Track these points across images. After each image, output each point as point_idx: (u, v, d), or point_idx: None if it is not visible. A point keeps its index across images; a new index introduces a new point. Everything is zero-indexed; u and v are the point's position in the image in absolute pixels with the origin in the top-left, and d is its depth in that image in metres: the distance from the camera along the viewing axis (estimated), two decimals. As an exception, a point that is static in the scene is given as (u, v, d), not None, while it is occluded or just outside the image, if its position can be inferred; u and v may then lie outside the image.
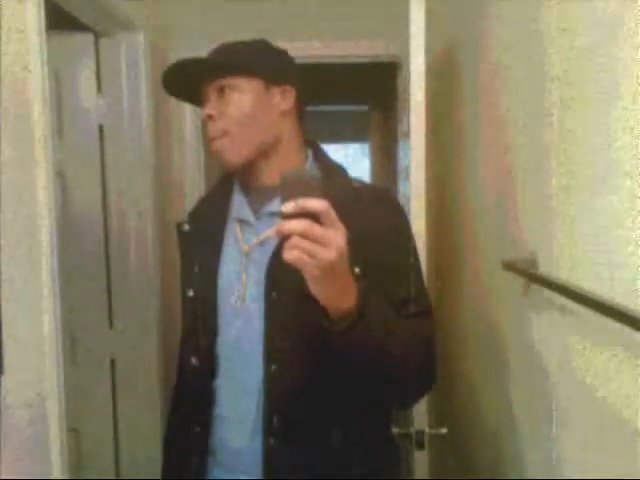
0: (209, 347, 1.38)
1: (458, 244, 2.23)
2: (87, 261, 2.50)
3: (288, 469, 1.31)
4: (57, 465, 1.53)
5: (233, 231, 1.42)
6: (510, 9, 1.57)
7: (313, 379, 1.29)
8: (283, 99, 1.39)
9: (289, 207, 0.96)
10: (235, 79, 1.35)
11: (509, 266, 1.46)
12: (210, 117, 1.36)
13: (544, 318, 1.36)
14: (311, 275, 1.00)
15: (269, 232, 1.28)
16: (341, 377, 1.23)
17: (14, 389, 1.34)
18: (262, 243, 1.35)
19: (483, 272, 1.90)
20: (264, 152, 1.38)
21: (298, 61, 1.48)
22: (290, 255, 0.97)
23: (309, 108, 1.47)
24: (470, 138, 2.04)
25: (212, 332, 1.38)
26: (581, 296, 1.07)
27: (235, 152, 1.36)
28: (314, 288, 1.03)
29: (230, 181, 1.48)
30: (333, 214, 0.98)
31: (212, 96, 1.37)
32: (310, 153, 1.45)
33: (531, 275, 1.36)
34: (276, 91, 1.38)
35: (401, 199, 2.26)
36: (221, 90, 1.36)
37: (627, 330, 0.91)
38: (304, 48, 2.66)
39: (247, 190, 1.44)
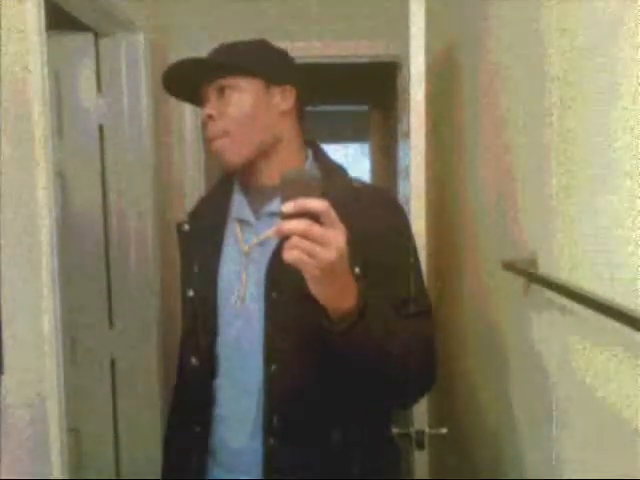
0: (209, 347, 1.38)
1: (458, 244, 2.23)
2: (87, 261, 2.50)
3: (288, 469, 1.31)
4: (57, 465, 1.53)
5: (233, 231, 1.42)
6: (510, 9, 1.56)
7: (313, 379, 1.29)
8: (283, 99, 1.39)
9: (289, 207, 0.96)
10: (235, 79, 1.35)
11: (509, 266, 1.46)
12: (210, 117, 1.36)
13: (544, 318, 1.36)
14: (311, 275, 1.00)
15: (269, 232, 1.28)
16: (341, 377, 1.23)
17: (14, 389, 1.34)
18: (262, 243, 1.35)
19: (483, 272, 1.90)
20: (264, 152, 1.38)
21: (298, 61, 1.48)
22: (290, 255, 0.97)
23: (309, 108, 1.47)
24: (470, 138, 2.04)
25: (212, 332, 1.38)
26: (581, 296, 1.07)
27: (235, 152, 1.36)
28: (314, 288, 1.03)
29: (230, 181, 1.48)
30: (333, 214, 0.98)
31: (212, 96, 1.37)
32: (310, 153, 1.45)
33: (531, 275, 1.36)
34: (276, 91, 1.38)
35: (401, 199, 2.26)
36: (221, 90, 1.36)
37: (627, 330, 0.91)
38: (304, 48, 2.66)
39: (247, 190, 1.44)
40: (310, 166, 1.42)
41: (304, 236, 0.96)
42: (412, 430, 1.73)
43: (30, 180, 1.46)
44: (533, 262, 1.37)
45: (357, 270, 1.16)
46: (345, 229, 1.00)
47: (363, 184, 1.46)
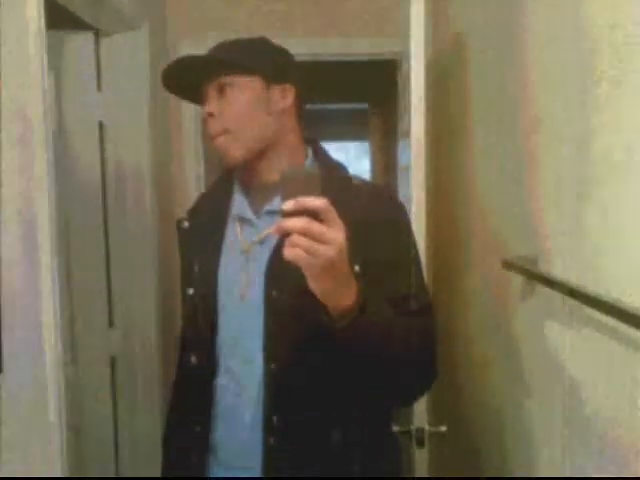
0: (209, 345, 1.38)
1: (458, 242, 2.23)
2: (87, 260, 2.50)
3: (288, 467, 1.31)
4: (58, 464, 1.52)
5: (233, 229, 1.42)
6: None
7: (313, 377, 1.29)
8: (283, 97, 1.39)
9: (289, 205, 0.96)
10: (235, 77, 1.35)
11: (510, 265, 1.46)
12: (210, 115, 1.36)
13: (545, 316, 1.36)
14: (311, 272, 1.01)
15: (269, 230, 1.28)
16: (341, 375, 1.23)
17: (14, 388, 1.34)
18: (262, 241, 1.35)
19: (484, 270, 1.90)
20: (264, 150, 1.38)
21: (298, 59, 1.48)
22: (290, 253, 0.97)
23: (309, 106, 1.47)
24: (471, 136, 2.04)
25: (212, 330, 1.38)
26: (583, 294, 1.07)
27: (236, 149, 1.36)
28: (314, 285, 1.03)
29: (230, 179, 1.48)
30: (333, 212, 0.98)
31: (212, 94, 1.37)
32: (310, 151, 1.45)
33: (532, 273, 1.36)
34: (276, 89, 1.38)
35: (401, 198, 2.25)
36: (221, 88, 1.36)
37: (629, 329, 0.90)
38: (304, 46, 2.66)
39: (247, 188, 1.44)
40: (310, 164, 1.42)
41: (304, 234, 0.96)
42: (412, 428, 1.73)
43: (30, 179, 1.45)
44: (534, 260, 1.37)
45: (357, 267, 1.17)
46: (345, 226, 1.00)
47: (363, 181, 1.46)
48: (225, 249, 1.41)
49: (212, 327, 1.38)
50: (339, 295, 1.06)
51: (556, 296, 1.23)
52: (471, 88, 2.03)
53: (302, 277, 1.02)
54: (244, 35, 1.43)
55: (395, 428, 1.57)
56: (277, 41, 1.45)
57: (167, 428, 1.53)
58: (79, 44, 2.44)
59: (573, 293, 1.11)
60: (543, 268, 1.33)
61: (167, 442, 1.52)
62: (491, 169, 1.81)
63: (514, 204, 1.55)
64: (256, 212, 1.39)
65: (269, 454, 1.31)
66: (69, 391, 1.63)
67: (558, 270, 1.26)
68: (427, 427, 1.74)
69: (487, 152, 1.87)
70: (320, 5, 2.84)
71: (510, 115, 1.60)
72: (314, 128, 1.60)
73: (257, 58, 1.39)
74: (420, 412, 1.79)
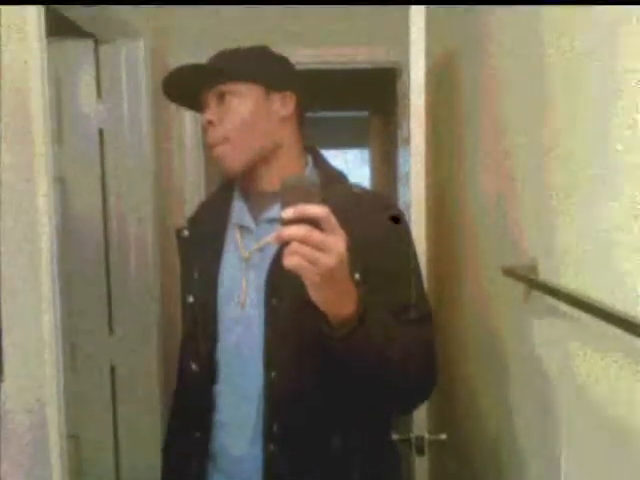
0: (209, 353, 1.38)
1: (458, 250, 2.23)
2: (87, 267, 2.50)
3: (288, 475, 1.31)
4: (57, 471, 1.52)
5: (233, 237, 1.42)
6: (510, 15, 1.57)
7: (313, 385, 1.29)
8: (283, 105, 1.39)
9: (289, 213, 0.96)
10: (235, 85, 1.35)
11: (509, 272, 1.46)
12: (210, 123, 1.36)
13: (544, 324, 1.36)
14: (311, 281, 1.00)
15: (269, 238, 1.28)
16: (341, 383, 1.23)
17: (14, 395, 1.34)
18: (262, 249, 1.35)
19: (483, 278, 1.90)
20: (264, 158, 1.38)
21: (298, 67, 1.48)
22: (290, 261, 0.97)
23: (309, 114, 1.47)
24: (470, 144, 2.05)
25: (212, 338, 1.38)
26: (582, 302, 1.07)
27: (235, 158, 1.36)
28: (314, 294, 1.03)
29: (231, 187, 1.49)
30: (333, 220, 0.98)
31: (212, 102, 1.37)
32: (310, 159, 1.46)
33: (531, 281, 1.36)
34: (276, 97, 1.38)
35: (401, 205, 2.26)
36: (221, 96, 1.36)
37: (628, 337, 0.90)
38: (304, 54, 2.66)
39: (247, 196, 1.44)
40: (310, 172, 1.42)
41: (304, 242, 0.96)
42: (412, 436, 1.73)
43: (30, 187, 1.45)
44: (533, 268, 1.37)
45: (357, 276, 1.17)
46: (345, 235, 1.00)
47: (363, 190, 1.46)
48: (225, 257, 1.41)
49: (212, 335, 1.38)
50: (339, 303, 1.06)
51: (555, 304, 1.23)
52: (462, 96, 2.05)
53: (302, 285, 1.02)
54: (245, 44, 1.43)
55: (395, 436, 1.57)
56: (277, 50, 1.45)
57: (168, 434, 1.53)
58: (79, 52, 2.45)
59: (573, 301, 1.11)
60: (543, 275, 1.33)
61: (167, 448, 1.52)
62: (483, 174, 1.81)
63: (511, 211, 1.55)
64: (255, 219, 1.40)
65: (269, 462, 1.30)
66: (69, 397, 1.63)
67: (559, 277, 1.25)
68: (427, 435, 1.74)
69: (477, 158, 1.89)
70: (321, 14, 2.84)
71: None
72: (314, 135, 1.60)
73: (257, 66, 1.39)
74: (420, 420, 1.79)
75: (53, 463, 1.51)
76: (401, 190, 2.56)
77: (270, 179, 1.38)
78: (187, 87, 1.39)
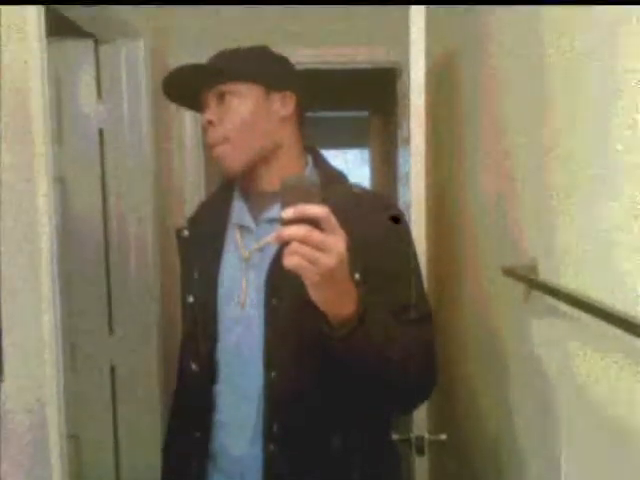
0: (209, 353, 1.38)
1: (458, 250, 2.23)
2: (87, 267, 2.50)
3: (288, 475, 1.31)
4: (57, 471, 1.52)
5: (233, 237, 1.42)
6: (510, 15, 1.57)
7: (313, 385, 1.29)
8: (283, 105, 1.39)
9: (289, 213, 0.96)
10: (235, 85, 1.35)
11: (509, 272, 1.46)
12: (210, 123, 1.36)
13: (544, 324, 1.36)
14: (311, 281, 1.00)
15: (269, 238, 1.28)
16: (341, 383, 1.23)
17: (14, 395, 1.34)
18: (262, 249, 1.35)
19: (483, 278, 1.90)
20: (264, 158, 1.38)
21: (298, 67, 1.48)
22: (290, 261, 0.97)
23: (309, 114, 1.47)
24: (470, 144, 2.05)
25: (212, 338, 1.38)
26: (582, 302, 1.07)
27: (235, 158, 1.36)
28: (314, 294, 1.03)
29: (231, 187, 1.48)
30: (333, 220, 0.98)
31: (212, 102, 1.37)
32: (310, 159, 1.46)
33: (531, 281, 1.36)
34: (276, 97, 1.38)
35: (401, 205, 2.26)
36: (221, 96, 1.36)
37: (628, 337, 0.90)
38: (304, 54, 2.66)
39: (247, 196, 1.44)
40: (310, 172, 1.42)
41: (304, 242, 0.96)
42: (412, 436, 1.73)
43: (30, 187, 1.45)
44: (533, 268, 1.37)
45: (357, 276, 1.16)
46: (345, 235, 1.00)
47: (363, 190, 1.46)
48: (225, 257, 1.41)
49: (212, 335, 1.38)
50: (339, 303, 1.06)
51: (555, 304, 1.23)
52: (462, 96, 2.05)
53: (302, 285, 1.02)
54: (245, 44, 1.43)
55: (395, 436, 1.57)
56: (277, 50, 1.45)
57: (168, 434, 1.53)
58: (79, 52, 2.45)
59: (573, 301, 1.11)
60: (543, 275, 1.33)
61: (167, 448, 1.52)
62: (483, 174, 1.81)
63: (511, 211, 1.55)
64: (255, 219, 1.40)
65: (269, 462, 1.31)
66: (69, 397, 1.63)
67: (559, 277, 1.25)
68: (427, 435, 1.74)
69: (477, 158, 1.88)
70: (321, 14, 2.84)
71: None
72: (314, 135, 1.60)
73: (257, 66, 1.39)
74: (420, 420, 1.79)
75: (53, 463, 1.51)
76: (401, 190, 2.55)
77: (270, 179, 1.38)
78: (187, 87, 1.39)
